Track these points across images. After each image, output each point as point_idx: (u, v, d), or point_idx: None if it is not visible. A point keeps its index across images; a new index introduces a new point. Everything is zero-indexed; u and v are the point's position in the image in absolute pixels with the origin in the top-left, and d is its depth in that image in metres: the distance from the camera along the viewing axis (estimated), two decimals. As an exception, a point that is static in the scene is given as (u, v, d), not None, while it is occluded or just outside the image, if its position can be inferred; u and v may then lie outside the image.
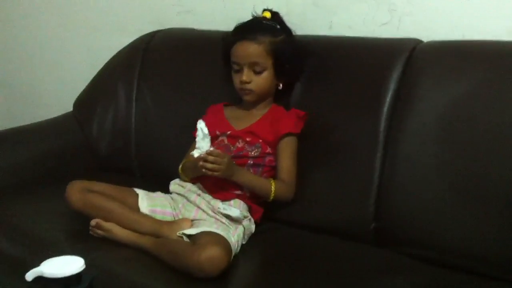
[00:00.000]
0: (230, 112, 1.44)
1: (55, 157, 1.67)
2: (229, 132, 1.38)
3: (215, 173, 1.24)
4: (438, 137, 1.20)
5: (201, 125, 1.30)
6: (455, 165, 1.17)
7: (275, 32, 1.37)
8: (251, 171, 1.34)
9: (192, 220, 1.27)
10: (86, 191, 1.29)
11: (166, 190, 1.40)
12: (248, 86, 1.37)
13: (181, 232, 1.20)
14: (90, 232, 1.27)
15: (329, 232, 1.30)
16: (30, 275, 0.89)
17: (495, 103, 1.16)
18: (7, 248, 1.31)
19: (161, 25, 1.83)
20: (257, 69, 1.35)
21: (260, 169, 1.35)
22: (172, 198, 1.36)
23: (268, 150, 1.35)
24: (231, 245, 1.16)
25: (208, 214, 1.28)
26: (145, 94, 1.70)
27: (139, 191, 1.35)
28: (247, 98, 1.40)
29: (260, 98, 1.40)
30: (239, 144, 1.36)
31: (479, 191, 1.13)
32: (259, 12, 1.44)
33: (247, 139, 1.35)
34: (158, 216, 1.30)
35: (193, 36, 1.71)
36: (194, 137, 1.43)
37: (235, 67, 1.38)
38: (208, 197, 1.31)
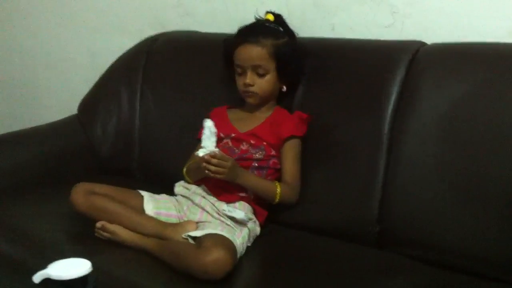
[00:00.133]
0: (233, 115, 1.45)
1: (58, 159, 1.68)
2: (233, 135, 1.38)
3: (218, 176, 1.24)
4: (441, 138, 1.20)
5: (208, 123, 1.29)
6: (457, 166, 1.17)
7: (277, 35, 1.37)
8: (255, 173, 1.35)
9: (197, 222, 1.27)
10: (91, 193, 1.29)
11: (168, 192, 1.40)
12: (252, 89, 1.37)
13: (186, 234, 1.20)
14: (96, 234, 1.27)
15: (333, 234, 1.30)
16: (37, 277, 0.89)
17: (497, 104, 1.16)
18: (9, 250, 1.31)
19: (163, 27, 1.84)
20: (260, 71, 1.36)
21: (264, 171, 1.36)
22: (177, 200, 1.36)
23: (272, 152, 1.36)
24: (236, 247, 1.17)
25: (213, 216, 1.28)
26: (148, 97, 1.71)
27: (144, 193, 1.36)
28: (250, 100, 1.40)
29: (263, 101, 1.41)
30: (243, 147, 1.36)
31: (481, 192, 1.14)
32: (261, 14, 1.45)
33: (251, 142, 1.36)
34: (163, 219, 1.30)
35: (196, 39, 1.72)
36: (198, 139, 1.44)
37: (238, 70, 1.39)
38: (212, 199, 1.32)
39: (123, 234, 1.25)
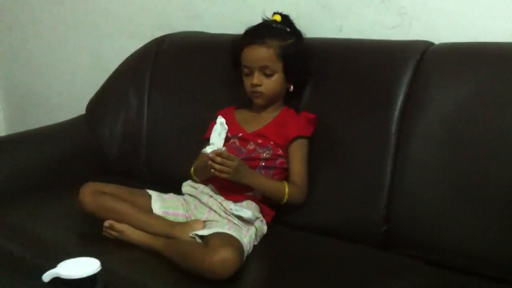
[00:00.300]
0: (241, 115, 1.45)
1: (66, 160, 1.69)
2: (240, 135, 1.39)
3: (223, 175, 1.25)
4: (448, 139, 1.20)
5: (221, 120, 1.29)
6: (465, 167, 1.17)
7: (284, 36, 1.38)
8: (262, 173, 1.35)
9: (204, 221, 1.27)
10: (99, 193, 1.30)
11: (175, 192, 1.40)
12: (259, 89, 1.38)
13: (193, 233, 1.21)
14: (104, 233, 1.27)
15: (339, 235, 1.30)
16: (47, 276, 0.90)
17: (505, 104, 1.16)
18: (18, 250, 1.32)
19: (170, 29, 1.84)
20: (268, 72, 1.36)
21: (272, 171, 1.36)
22: (184, 200, 1.37)
23: (280, 152, 1.36)
24: (243, 247, 1.17)
25: (220, 215, 1.29)
26: (155, 98, 1.71)
27: (152, 192, 1.36)
28: (257, 101, 1.41)
29: (270, 101, 1.41)
30: (250, 146, 1.37)
31: (489, 193, 1.13)
32: (269, 15, 1.45)
33: (258, 141, 1.36)
34: (171, 218, 1.31)
35: (203, 40, 1.72)
36: (205, 139, 1.44)
37: (246, 70, 1.39)
38: (220, 198, 1.32)
39: (131, 233, 1.25)
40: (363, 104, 1.34)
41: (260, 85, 1.37)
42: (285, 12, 1.44)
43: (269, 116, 1.42)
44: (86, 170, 1.70)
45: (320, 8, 1.56)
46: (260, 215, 1.32)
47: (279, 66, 1.36)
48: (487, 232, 1.13)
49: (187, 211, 1.34)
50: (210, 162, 1.24)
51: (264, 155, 1.35)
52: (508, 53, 1.23)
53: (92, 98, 1.84)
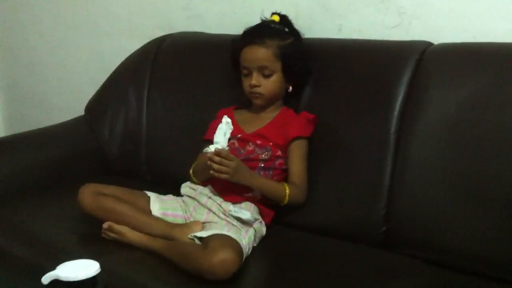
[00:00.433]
0: (240, 116, 1.45)
1: (66, 160, 1.69)
2: (239, 136, 1.38)
3: (222, 176, 1.24)
4: (448, 139, 1.20)
5: (227, 119, 1.28)
6: (465, 167, 1.17)
7: (283, 36, 1.38)
8: (261, 174, 1.35)
9: (203, 223, 1.28)
10: (98, 194, 1.30)
11: (175, 193, 1.40)
12: (258, 90, 1.38)
13: (192, 234, 1.21)
14: (103, 235, 1.27)
15: (339, 235, 1.30)
16: (46, 279, 0.90)
17: (505, 104, 1.16)
18: (18, 251, 1.32)
19: (171, 29, 1.84)
20: (266, 72, 1.36)
21: (271, 172, 1.36)
22: (183, 201, 1.37)
23: (279, 153, 1.36)
24: (243, 248, 1.17)
25: (219, 216, 1.29)
26: (155, 98, 1.71)
27: (150, 194, 1.36)
28: (256, 101, 1.41)
29: (269, 102, 1.41)
30: (250, 147, 1.37)
31: (490, 193, 1.13)
32: (267, 15, 1.45)
33: (257, 142, 1.36)
34: (170, 219, 1.31)
35: (203, 40, 1.72)
36: (205, 140, 1.44)
37: (244, 71, 1.39)
38: (219, 199, 1.32)
39: (130, 234, 1.25)
40: (363, 104, 1.34)
41: (259, 86, 1.37)
42: (284, 12, 1.44)
43: (268, 117, 1.41)
44: (86, 170, 1.71)
45: (319, 7, 1.56)
46: (259, 217, 1.32)
47: (277, 66, 1.36)
48: (487, 232, 1.13)
49: (186, 212, 1.34)
50: (209, 162, 1.24)
51: (263, 156, 1.35)
52: (508, 53, 1.22)
53: (92, 98, 1.84)
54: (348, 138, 1.34)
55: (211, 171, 1.25)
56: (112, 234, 1.26)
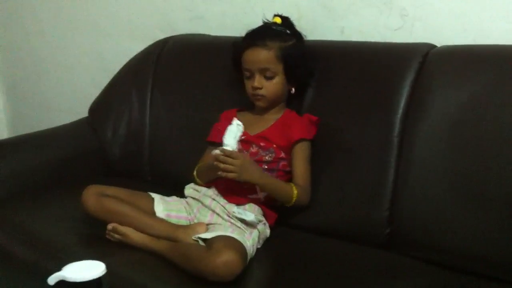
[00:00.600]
0: (243, 118, 1.44)
1: (69, 162, 1.69)
2: (243, 137, 1.38)
3: (229, 175, 1.24)
4: (451, 140, 1.20)
5: (238, 122, 1.27)
6: (468, 168, 1.17)
7: (285, 37, 1.38)
8: (265, 175, 1.35)
9: (207, 224, 1.28)
10: (102, 195, 1.30)
11: (178, 194, 1.41)
12: (260, 92, 1.38)
13: (196, 236, 1.21)
14: (107, 236, 1.28)
15: (343, 237, 1.31)
16: (52, 279, 0.90)
17: (507, 106, 1.16)
18: (23, 252, 1.32)
19: (172, 30, 1.85)
20: (268, 74, 1.37)
21: (274, 174, 1.36)
22: (187, 203, 1.37)
23: (282, 155, 1.36)
24: (246, 250, 1.17)
25: (223, 218, 1.29)
26: (158, 100, 1.71)
27: (154, 195, 1.37)
28: (259, 103, 1.41)
29: (272, 104, 1.41)
30: (253, 149, 1.37)
31: (492, 194, 1.14)
32: (269, 17, 1.45)
33: (261, 144, 1.36)
34: (173, 221, 1.31)
35: (206, 42, 1.73)
36: (208, 141, 1.44)
37: (247, 73, 1.40)
38: (223, 201, 1.32)
39: (134, 236, 1.25)
40: (366, 106, 1.34)
41: (261, 88, 1.37)
42: (287, 13, 1.45)
43: (271, 118, 1.42)
44: (89, 171, 1.71)
45: (321, 9, 1.56)
46: (263, 218, 1.33)
47: (279, 68, 1.36)
48: (490, 234, 1.13)
49: (189, 214, 1.34)
50: (215, 162, 1.24)
51: (267, 158, 1.35)
52: (509, 54, 1.23)
53: (95, 100, 1.84)
54: (351, 140, 1.34)
55: (219, 172, 1.25)
56: (116, 236, 1.26)
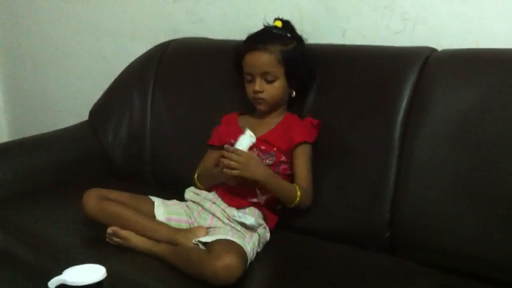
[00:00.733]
0: (244, 121, 1.45)
1: (70, 165, 1.70)
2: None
3: (234, 172, 1.24)
4: (453, 143, 1.20)
5: (251, 133, 1.28)
6: (469, 170, 1.17)
7: (285, 41, 1.38)
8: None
9: (207, 228, 1.28)
10: (102, 199, 1.31)
11: (180, 197, 1.41)
12: (261, 96, 1.38)
13: (196, 239, 1.21)
14: (107, 240, 1.28)
15: (344, 240, 1.31)
16: (53, 283, 0.90)
17: (508, 109, 1.16)
18: (24, 254, 1.33)
19: (175, 33, 1.85)
20: (269, 78, 1.36)
21: (275, 177, 1.36)
22: (187, 206, 1.37)
23: (283, 158, 1.36)
24: (247, 253, 1.17)
25: (223, 222, 1.29)
26: (160, 103, 1.72)
27: (155, 199, 1.37)
28: (260, 107, 1.41)
29: (273, 107, 1.41)
30: (254, 153, 1.36)
31: (495, 196, 1.14)
32: (271, 20, 1.45)
33: (262, 148, 1.36)
34: (174, 224, 1.31)
35: (207, 46, 1.73)
36: (209, 145, 1.45)
37: (248, 77, 1.40)
38: (223, 204, 1.32)
39: (135, 239, 1.26)
40: (367, 109, 1.34)
41: (262, 92, 1.37)
42: (288, 16, 1.45)
43: (272, 122, 1.42)
44: (90, 174, 1.72)
45: (323, 12, 1.56)
46: (264, 222, 1.33)
47: (280, 71, 1.36)
48: (493, 236, 1.13)
49: (190, 217, 1.34)
50: (221, 159, 1.24)
51: (268, 161, 1.35)
52: (510, 58, 1.23)
53: (96, 102, 1.85)
54: (352, 143, 1.34)
55: (225, 170, 1.24)
56: (116, 239, 1.27)
